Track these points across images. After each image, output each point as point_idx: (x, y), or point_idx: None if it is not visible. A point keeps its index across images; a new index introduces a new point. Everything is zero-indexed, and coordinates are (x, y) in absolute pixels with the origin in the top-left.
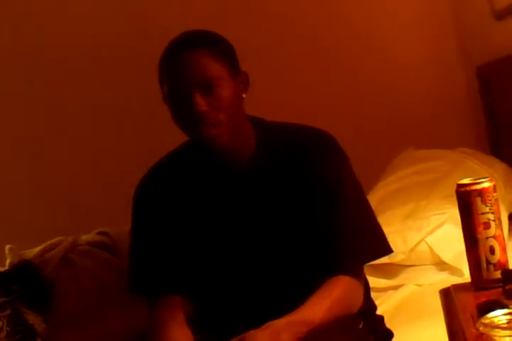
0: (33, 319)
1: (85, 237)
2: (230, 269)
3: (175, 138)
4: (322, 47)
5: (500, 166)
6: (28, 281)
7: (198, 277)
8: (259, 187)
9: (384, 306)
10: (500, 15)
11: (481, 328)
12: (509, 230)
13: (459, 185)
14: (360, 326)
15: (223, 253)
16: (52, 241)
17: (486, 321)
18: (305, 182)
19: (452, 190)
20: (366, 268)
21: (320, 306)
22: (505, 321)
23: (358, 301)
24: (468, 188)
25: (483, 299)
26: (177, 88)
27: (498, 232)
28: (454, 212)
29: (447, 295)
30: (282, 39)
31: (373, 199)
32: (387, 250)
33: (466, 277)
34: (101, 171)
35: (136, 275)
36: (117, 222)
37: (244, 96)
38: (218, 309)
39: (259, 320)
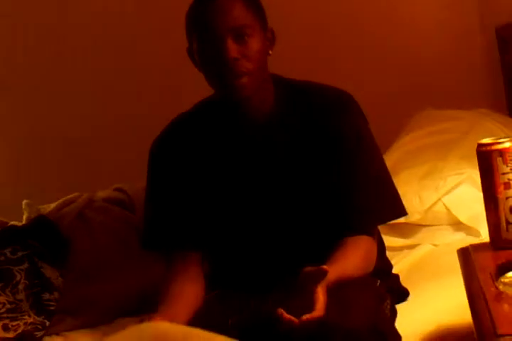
0: (50, 273)
1: (101, 193)
2: (247, 223)
3: (196, 95)
4: (338, 6)
5: None
6: (44, 236)
7: (214, 232)
8: (277, 143)
9: (400, 265)
10: None
11: (501, 287)
12: None
13: (480, 145)
14: (378, 284)
15: (241, 208)
16: (69, 197)
17: (506, 280)
18: (323, 140)
19: (470, 151)
20: (382, 227)
21: (350, 263)
22: None
23: (374, 261)
24: (489, 148)
25: (503, 259)
26: (209, 34)
27: None
28: (471, 173)
29: (465, 255)
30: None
31: (390, 159)
32: (403, 212)
33: (483, 237)
34: (118, 127)
35: (151, 230)
36: (133, 178)
37: (270, 52)
38: (235, 265)
39: (275, 276)
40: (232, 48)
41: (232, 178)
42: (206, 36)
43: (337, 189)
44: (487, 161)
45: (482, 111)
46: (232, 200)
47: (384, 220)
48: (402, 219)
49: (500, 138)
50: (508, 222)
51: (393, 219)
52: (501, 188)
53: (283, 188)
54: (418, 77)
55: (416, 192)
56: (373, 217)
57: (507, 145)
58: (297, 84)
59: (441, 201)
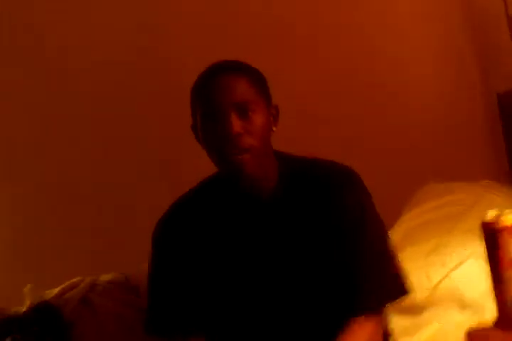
0: None
1: (105, 277)
2: (252, 305)
3: (199, 175)
4: (337, 83)
5: None
6: (47, 323)
7: (219, 316)
8: (281, 223)
9: None
10: None
11: None
12: None
13: (485, 222)
14: None
15: (245, 290)
16: (72, 281)
17: None
18: (328, 218)
19: (475, 224)
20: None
21: None
22: None
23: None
24: (495, 223)
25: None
26: (213, 108)
27: None
28: (477, 248)
29: (473, 337)
30: (296, 73)
31: (395, 235)
32: (407, 290)
33: (492, 316)
34: (121, 210)
35: (154, 314)
36: (137, 261)
37: (274, 129)
38: None
39: None
40: (236, 123)
41: (237, 260)
42: (210, 111)
43: (341, 268)
44: (493, 237)
45: (485, 184)
46: (237, 282)
47: (389, 300)
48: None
49: (505, 213)
50: None
51: (397, 298)
52: (508, 266)
53: (288, 268)
54: (421, 149)
55: (422, 269)
56: (378, 297)
57: (510, 222)
58: (300, 160)
59: (449, 277)
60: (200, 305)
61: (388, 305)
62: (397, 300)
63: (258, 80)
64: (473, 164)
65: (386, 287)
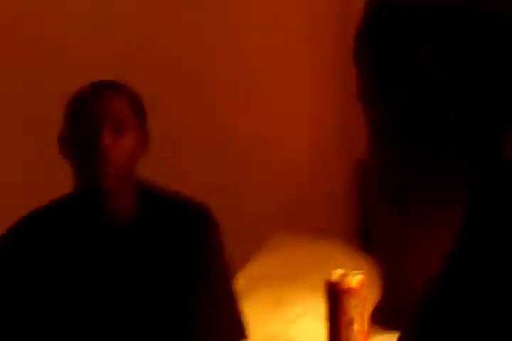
0: None
1: None
2: (89, 329)
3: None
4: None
5: (365, 262)
6: None
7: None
8: (130, 249)
9: None
10: None
11: None
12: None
13: (330, 280)
14: None
15: (86, 315)
16: None
17: None
18: (177, 252)
19: (318, 281)
20: None
21: None
22: None
23: None
24: (339, 284)
25: None
26: (88, 120)
27: (363, 330)
28: (318, 303)
29: None
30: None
31: (240, 281)
32: (243, 334)
33: None
34: None
35: None
36: None
37: (142, 154)
38: None
39: None
40: (107, 135)
41: (81, 281)
42: (84, 122)
43: (181, 305)
44: (335, 298)
45: (334, 242)
46: (78, 305)
47: None
48: None
49: (351, 274)
50: None
51: None
52: (346, 326)
53: (126, 298)
54: (277, 198)
55: (262, 319)
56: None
57: (355, 282)
58: (159, 194)
59: (287, 330)
60: (37, 326)
61: None
62: None
63: (136, 101)
64: (326, 221)
65: (226, 330)
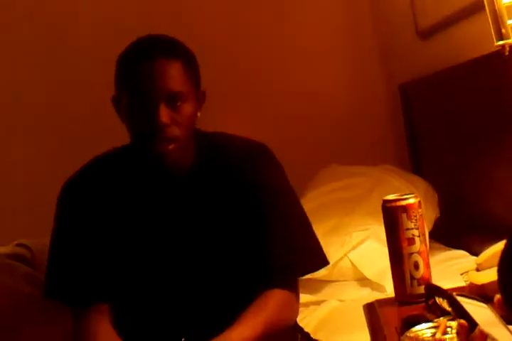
0: None
1: (2, 249)
2: (160, 276)
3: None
4: (248, 68)
5: (420, 184)
6: None
7: (125, 284)
8: (195, 197)
9: (306, 321)
10: (424, 35)
11: None
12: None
13: (385, 201)
14: (299, 339)
15: (154, 260)
16: None
17: (411, 334)
18: (242, 194)
19: (374, 207)
20: None
21: (255, 321)
22: (429, 334)
23: (294, 314)
24: (394, 204)
25: (407, 313)
26: (141, 96)
27: (423, 248)
28: (376, 228)
29: (371, 310)
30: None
31: None
32: (323, 262)
33: (388, 293)
34: (19, 180)
35: (55, 279)
36: (36, 234)
37: (198, 114)
38: (144, 320)
39: (189, 330)
40: (164, 114)
41: (147, 229)
42: (139, 96)
43: (255, 241)
44: (392, 217)
45: (386, 167)
46: (146, 251)
47: (301, 272)
48: (308, 275)
49: (405, 195)
50: (412, 277)
51: (312, 271)
52: (406, 244)
53: (200, 241)
54: (324, 133)
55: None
56: (289, 270)
57: (411, 201)
58: (215, 138)
59: (347, 257)
60: (105, 271)
61: (305, 276)
62: (312, 272)
63: (190, 65)
64: (375, 149)
65: (298, 260)
